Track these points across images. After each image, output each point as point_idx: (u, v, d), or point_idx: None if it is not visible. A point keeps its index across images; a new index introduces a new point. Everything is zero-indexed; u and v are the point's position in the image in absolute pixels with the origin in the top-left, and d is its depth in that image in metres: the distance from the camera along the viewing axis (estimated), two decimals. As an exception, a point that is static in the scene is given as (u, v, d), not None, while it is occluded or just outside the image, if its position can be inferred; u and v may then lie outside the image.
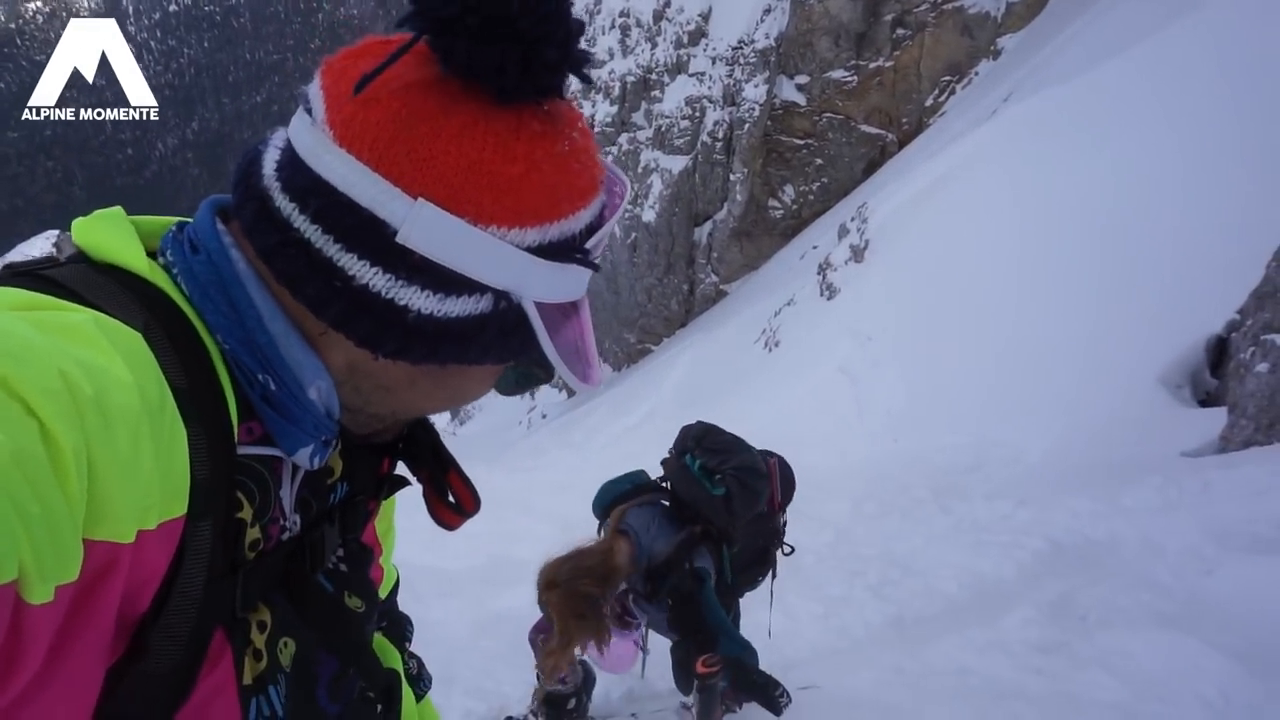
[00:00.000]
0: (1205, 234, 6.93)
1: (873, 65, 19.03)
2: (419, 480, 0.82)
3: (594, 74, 23.71)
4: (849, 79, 19.26)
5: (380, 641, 0.93)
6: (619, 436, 11.76)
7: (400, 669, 0.93)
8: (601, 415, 14.98)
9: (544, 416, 31.32)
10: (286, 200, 0.61)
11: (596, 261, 0.69)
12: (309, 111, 0.61)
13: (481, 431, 34.84)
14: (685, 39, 21.51)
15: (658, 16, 22.31)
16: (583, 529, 6.08)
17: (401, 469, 0.84)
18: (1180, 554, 3.84)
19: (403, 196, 0.58)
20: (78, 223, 0.63)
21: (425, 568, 5.43)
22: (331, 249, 0.60)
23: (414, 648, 1.15)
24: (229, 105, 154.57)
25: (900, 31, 18.59)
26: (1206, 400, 6.21)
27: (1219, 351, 6.33)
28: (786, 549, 2.90)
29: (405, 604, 1.14)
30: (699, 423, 2.83)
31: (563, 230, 0.64)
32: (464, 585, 5.15)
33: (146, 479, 0.50)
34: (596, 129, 23.79)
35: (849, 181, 19.96)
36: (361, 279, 0.60)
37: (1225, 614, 3.09)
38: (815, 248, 15.00)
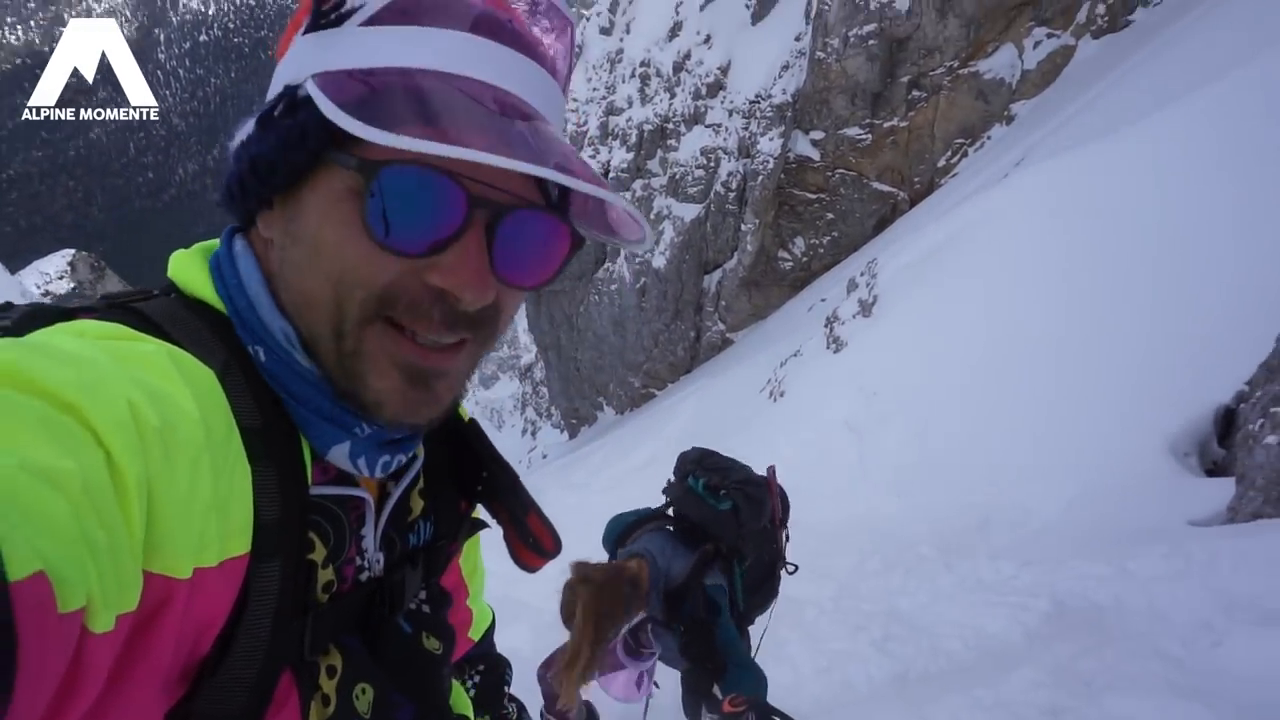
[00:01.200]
0: (1212, 306, 6.96)
1: (887, 124, 19.30)
2: (499, 522, 0.80)
3: (612, 121, 24.10)
4: (863, 137, 19.53)
5: (456, 690, 0.91)
6: (620, 478, 11.71)
7: (470, 714, 0.92)
8: (603, 456, 14.93)
9: (544, 456, 31.28)
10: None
11: (408, 19, 0.59)
12: None
13: (481, 469, 34.66)
14: (704, 91, 21.87)
15: (677, 68, 22.72)
16: (583, 570, 5.98)
17: (480, 513, 0.83)
18: (1188, 624, 3.79)
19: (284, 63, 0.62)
20: (176, 255, 0.64)
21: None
22: (233, 141, 0.64)
23: None
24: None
25: (916, 93, 18.90)
26: (1214, 470, 6.17)
27: (1227, 422, 6.30)
28: (790, 567, 2.92)
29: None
30: (695, 448, 2.89)
31: (323, 2, 0.60)
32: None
33: (203, 514, 0.50)
34: (612, 174, 24.09)
35: (859, 237, 20.12)
36: (233, 147, 0.63)
37: (1234, 684, 3.04)
38: (823, 300, 15.06)
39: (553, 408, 36.02)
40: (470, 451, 0.79)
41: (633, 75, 24.03)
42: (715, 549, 2.59)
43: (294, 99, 0.58)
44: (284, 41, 0.62)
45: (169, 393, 0.49)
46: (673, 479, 2.83)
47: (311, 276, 0.59)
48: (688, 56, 22.46)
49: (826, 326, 11.65)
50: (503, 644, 3.62)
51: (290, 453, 0.58)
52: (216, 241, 0.67)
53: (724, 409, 12.92)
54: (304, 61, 0.60)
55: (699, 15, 22.58)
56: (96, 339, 0.52)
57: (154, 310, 0.58)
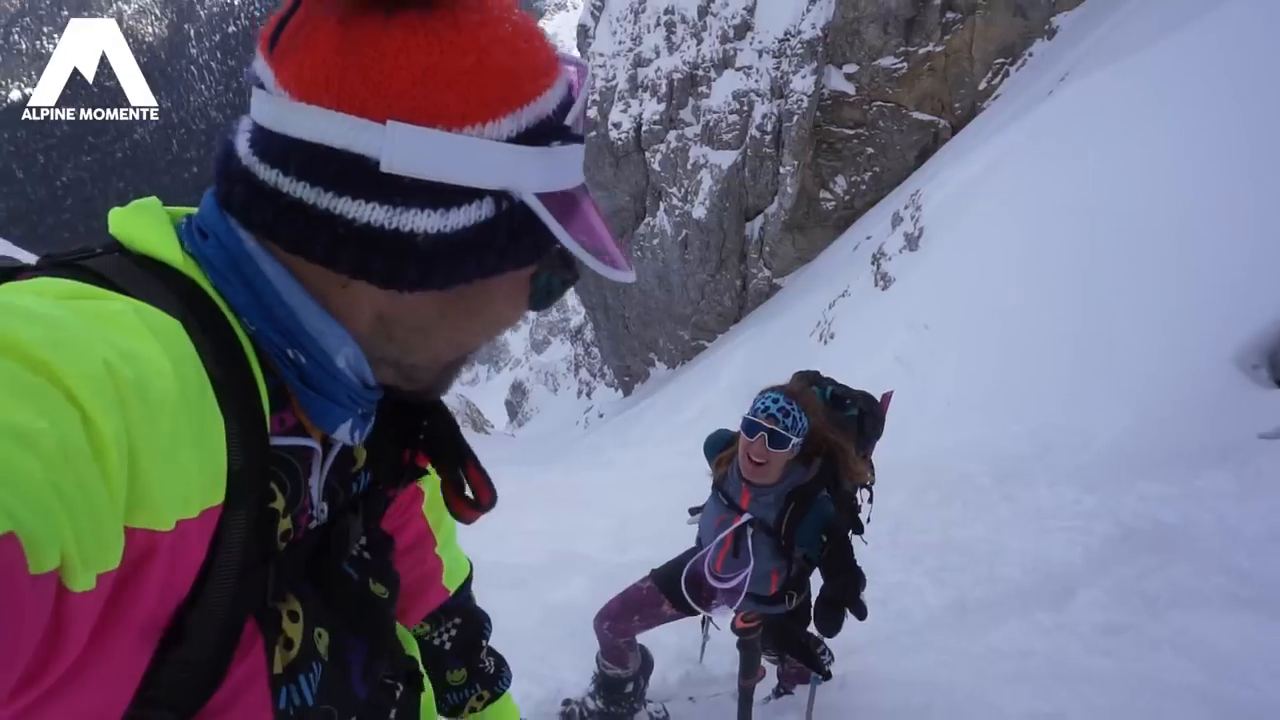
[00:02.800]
0: (1271, 212, 6.66)
1: (922, 51, 18.69)
2: (437, 472, 0.83)
3: (640, 73, 23.77)
4: (899, 66, 18.96)
5: (402, 631, 0.94)
6: (675, 432, 11.77)
7: (418, 658, 0.94)
8: (658, 412, 15.02)
9: (600, 416, 31.49)
10: (268, 169, 0.60)
11: (579, 134, 0.67)
12: (262, 86, 0.61)
13: (540, 434, 35.17)
14: (731, 33, 21.39)
15: (703, 12, 22.23)
16: (639, 524, 6.11)
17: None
18: (1258, 537, 3.71)
19: (372, 126, 0.58)
20: (115, 212, 0.64)
21: (489, 563, 5.51)
22: (325, 199, 0.59)
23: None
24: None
25: (950, 15, 18.24)
26: (1284, 380, 5.97)
27: (1297, 329, 6.08)
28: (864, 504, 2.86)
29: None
30: (807, 369, 2.90)
31: (536, 112, 0.62)
32: (526, 578, 5.21)
33: (185, 467, 0.50)
34: (645, 127, 23.82)
35: (901, 170, 19.65)
36: (362, 218, 0.59)
37: (1306, 595, 2.97)
38: (869, 238, 14.80)
39: (605, 367, 36.18)
40: (409, 403, 0.80)
41: (658, 24, 23.57)
42: (832, 466, 2.58)
43: (513, 207, 0.63)
44: (398, 99, 0.58)
45: (140, 349, 0.50)
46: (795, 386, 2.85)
47: (480, 336, 0.71)
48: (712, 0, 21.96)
49: (873, 264, 11.47)
50: (564, 596, 3.71)
51: (253, 404, 0.59)
52: (153, 200, 0.66)
53: (775, 356, 12.85)
54: (518, 170, 0.62)
55: (721, -45, 22.01)
56: (59, 298, 0.52)
57: (105, 267, 0.58)
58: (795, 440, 2.45)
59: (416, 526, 1.01)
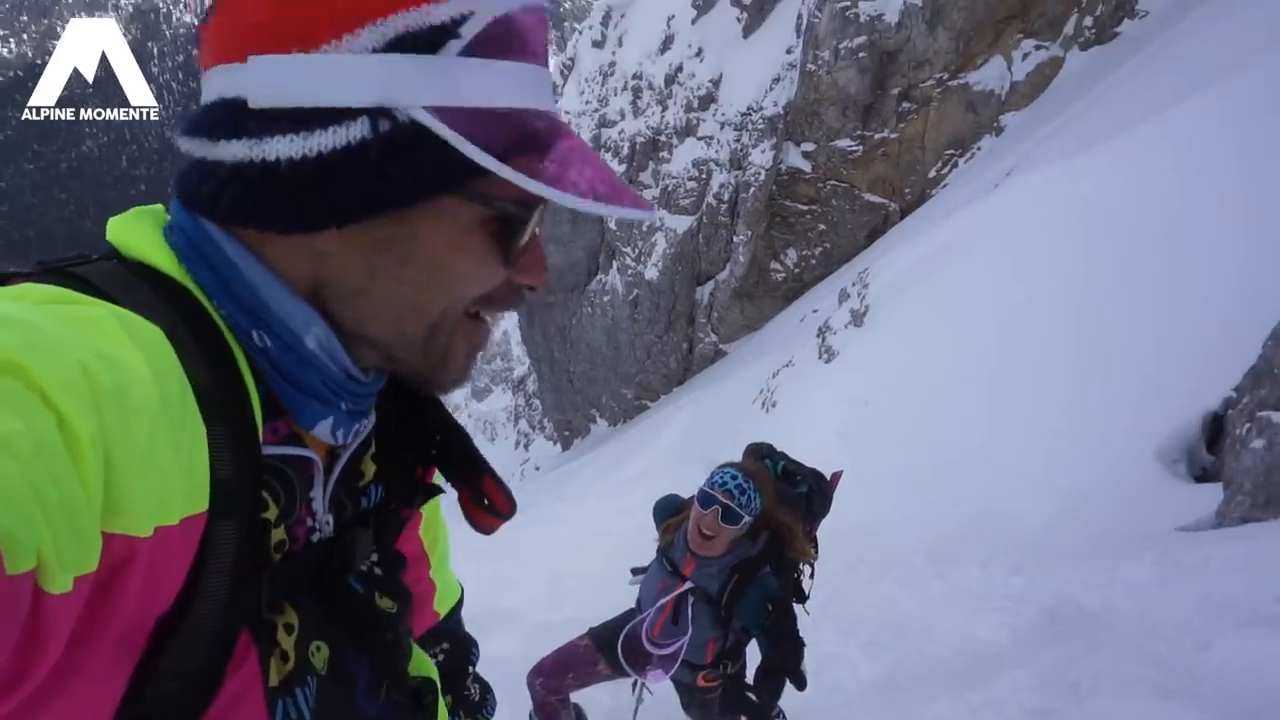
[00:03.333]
0: (1199, 314, 7.01)
1: (878, 136, 19.44)
2: (454, 485, 0.81)
3: (604, 134, 24.21)
4: (854, 149, 19.66)
5: (418, 654, 0.91)
6: (614, 490, 11.70)
7: (436, 679, 0.91)
8: (597, 468, 14.92)
9: (537, 469, 31.22)
10: (180, 139, 0.62)
11: (534, 52, 0.63)
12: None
13: (474, 481, 34.53)
14: (695, 103, 22.00)
15: (669, 81, 22.86)
16: (572, 581, 6.03)
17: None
18: (1176, 627, 3.80)
19: (238, 67, 0.58)
20: (112, 221, 0.64)
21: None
22: (208, 150, 0.60)
23: None
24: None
25: (906, 105, 19.04)
26: (1202, 476, 6.20)
27: (1215, 428, 6.34)
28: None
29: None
30: (762, 441, 2.92)
31: (408, 21, 0.58)
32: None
33: (164, 473, 0.49)
34: (604, 186, 24.13)
35: (851, 248, 20.23)
36: (233, 157, 0.59)
37: (1223, 686, 3.05)
38: (815, 311, 15.11)
39: (545, 420, 35.98)
40: (421, 417, 0.80)
41: (625, 88, 24.15)
42: (778, 541, 2.59)
43: (397, 125, 0.58)
44: (250, 34, 0.58)
45: (119, 355, 0.49)
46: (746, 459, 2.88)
47: (429, 292, 0.64)
48: (680, 69, 22.59)
49: (818, 337, 11.69)
50: (492, 650, 3.60)
51: (242, 412, 0.58)
52: (156, 207, 0.66)
53: (717, 420, 12.92)
54: (391, 83, 0.57)
55: (690, 29, 22.73)
56: (38, 303, 0.51)
57: (93, 273, 0.58)
58: (747, 518, 2.47)
59: (412, 549, 1.00)
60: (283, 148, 0.57)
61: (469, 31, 0.59)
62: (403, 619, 0.80)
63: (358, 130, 0.57)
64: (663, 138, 22.80)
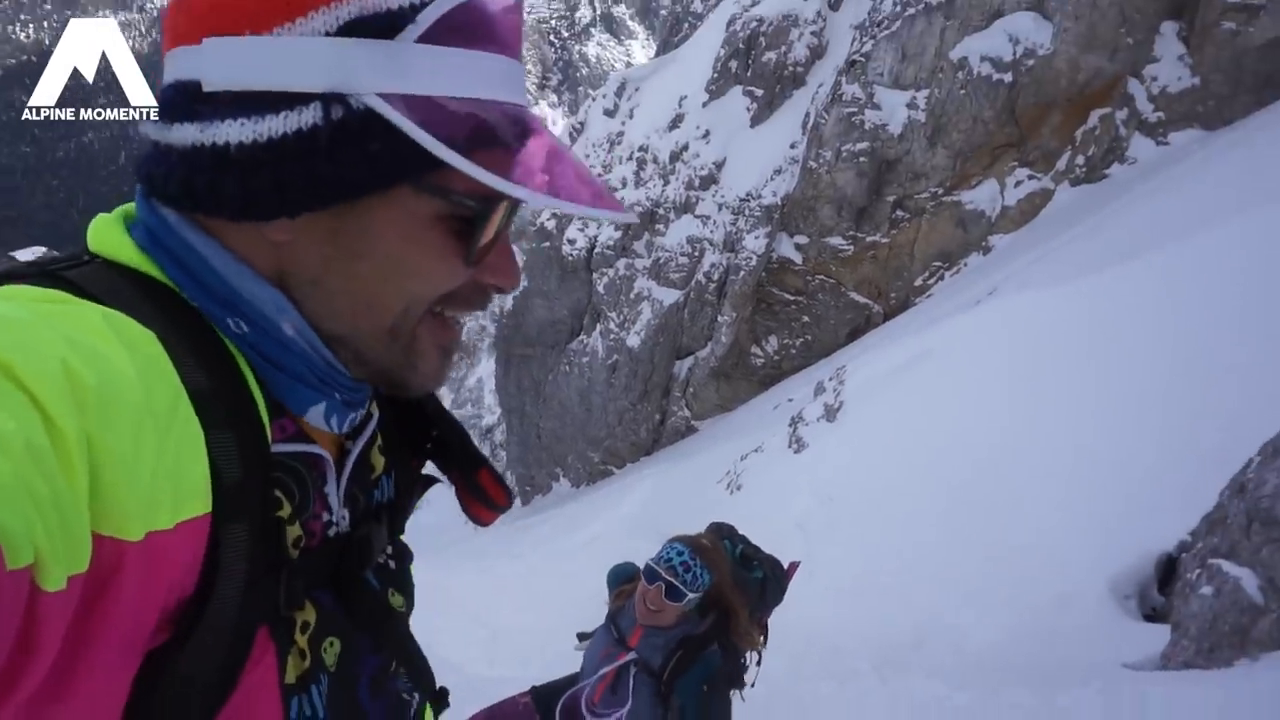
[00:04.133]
0: (1167, 453, 7.14)
1: (869, 239, 19.90)
2: (450, 479, 0.82)
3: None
4: (845, 247, 20.09)
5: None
6: (565, 552, 11.54)
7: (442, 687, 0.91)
8: (553, 527, 14.72)
9: (492, 521, 30.68)
10: (142, 124, 0.62)
11: (497, 40, 0.61)
12: None
13: (425, 526, 33.95)
14: (697, 183, 22.47)
15: (674, 157, 23.37)
16: (512, 639, 5.90)
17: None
18: (1112, 765, 3.78)
19: (193, 50, 0.58)
20: (91, 224, 0.64)
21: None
22: (163, 133, 0.60)
23: None
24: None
25: (899, 213, 19.56)
26: (1152, 615, 6.24)
27: (1168, 569, 6.40)
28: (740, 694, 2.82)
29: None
30: (724, 522, 2.90)
31: (366, 4, 0.57)
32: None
33: (151, 476, 0.49)
34: (598, 250, 24.44)
35: (832, 343, 20.50)
36: (184, 140, 0.58)
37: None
38: (790, 400, 15.22)
39: (508, 472, 35.56)
40: (418, 410, 0.80)
41: (630, 158, 24.65)
42: (726, 620, 2.56)
43: (350, 111, 0.56)
44: (205, 16, 0.58)
45: (104, 354, 0.49)
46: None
47: (383, 288, 0.62)
48: (685, 148, 23.13)
49: (790, 426, 11.75)
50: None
51: (248, 413, 0.58)
52: (131, 206, 0.66)
53: (680, 496, 12.86)
54: (345, 68, 0.56)
55: (701, 111, 23.35)
56: (28, 302, 0.52)
57: (84, 276, 0.58)
58: (691, 596, 2.46)
59: None
60: (233, 132, 0.56)
61: (428, 18, 0.57)
62: (409, 616, 0.80)
63: (309, 116, 0.56)
64: (661, 210, 23.20)
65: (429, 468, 0.84)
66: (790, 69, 21.87)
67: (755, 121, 22.34)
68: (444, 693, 0.85)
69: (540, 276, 26.64)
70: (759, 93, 22.24)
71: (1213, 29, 15.92)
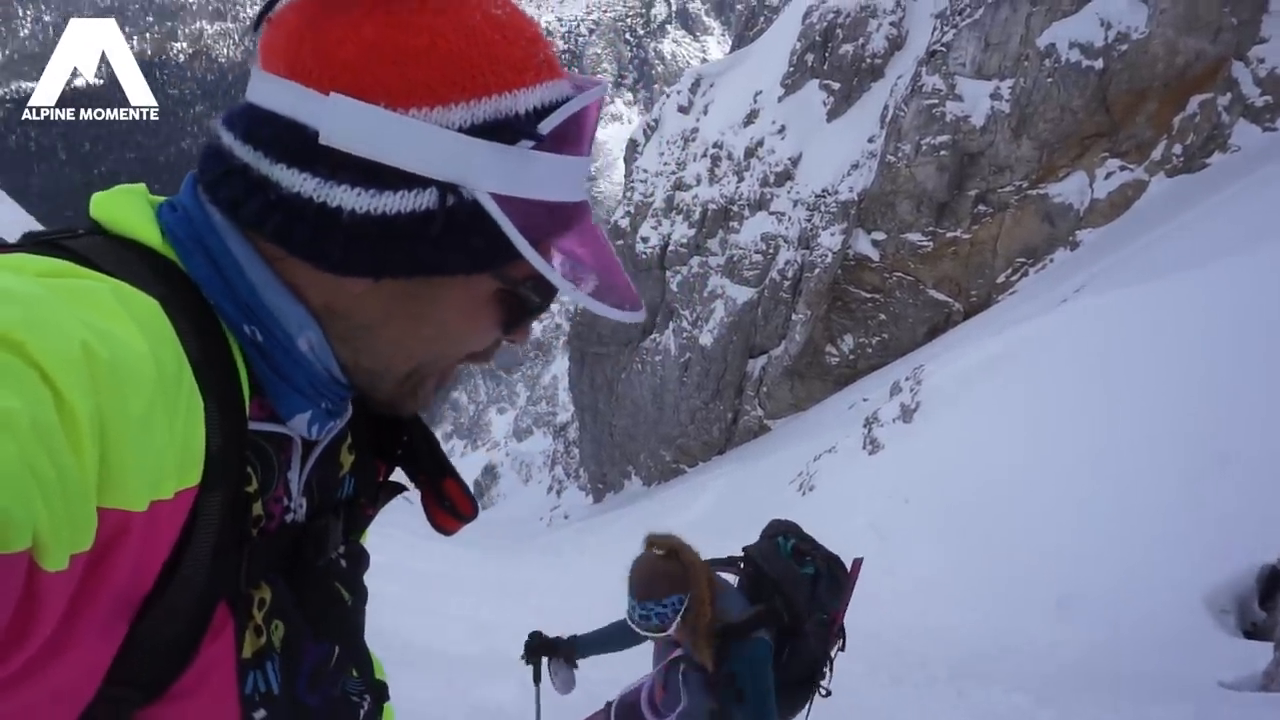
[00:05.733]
0: (1265, 462, 6.74)
1: (950, 235, 19.37)
2: (416, 485, 0.82)
3: (678, 196, 24.57)
4: (924, 244, 19.60)
5: (374, 657, 0.90)
6: (635, 552, 11.54)
7: (385, 681, 0.90)
8: (623, 526, 14.79)
9: (566, 517, 31.06)
10: (225, 131, 0.63)
11: (578, 149, 0.65)
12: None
13: (502, 520, 34.56)
14: (772, 179, 22.25)
15: (749, 153, 23.19)
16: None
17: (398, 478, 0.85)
18: (1208, 791, 3.58)
19: (316, 96, 0.57)
20: (97, 197, 0.64)
21: (420, 646, 5.32)
22: (262, 164, 0.60)
23: None
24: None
25: (982, 207, 18.98)
26: (1252, 632, 5.90)
27: (1271, 583, 6.05)
28: (823, 690, 2.70)
29: (397, 676, 1.12)
30: (784, 520, 2.80)
31: (498, 108, 0.60)
32: (456, 672, 5.02)
33: (160, 449, 0.50)
34: (671, 247, 24.43)
35: (909, 342, 20.03)
36: (291, 186, 0.59)
37: None
38: (865, 400, 14.93)
39: (581, 469, 35.91)
40: (390, 418, 0.80)
41: (704, 155, 24.57)
42: (777, 610, 2.49)
43: (460, 202, 0.60)
44: (343, 70, 0.58)
45: (117, 330, 0.49)
46: (760, 539, 2.79)
47: (429, 346, 0.68)
48: (760, 144, 22.92)
49: (865, 427, 11.53)
50: (488, 695, 3.55)
51: (232, 386, 0.59)
52: (139, 187, 0.66)
53: (751, 496, 12.75)
54: (470, 164, 0.59)
55: (776, 105, 23.11)
56: (38, 275, 0.52)
57: (86, 247, 0.58)
58: (673, 626, 2.38)
59: None
60: (348, 198, 0.58)
61: (547, 128, 0.61)
62: (360, 612, 0.80)
63: (425, 199, 0.59)
64: (735, 208, 23.05)
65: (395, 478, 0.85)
66: (868, 61, 21.46)
67: (832, 116, 21.99)
68: (382, 687, 0.85)
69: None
70: (836, 86, 21.88)
71: (1325, 8, 14.99)
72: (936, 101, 18.41)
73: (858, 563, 2.83)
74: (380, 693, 0.83)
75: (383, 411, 0.74)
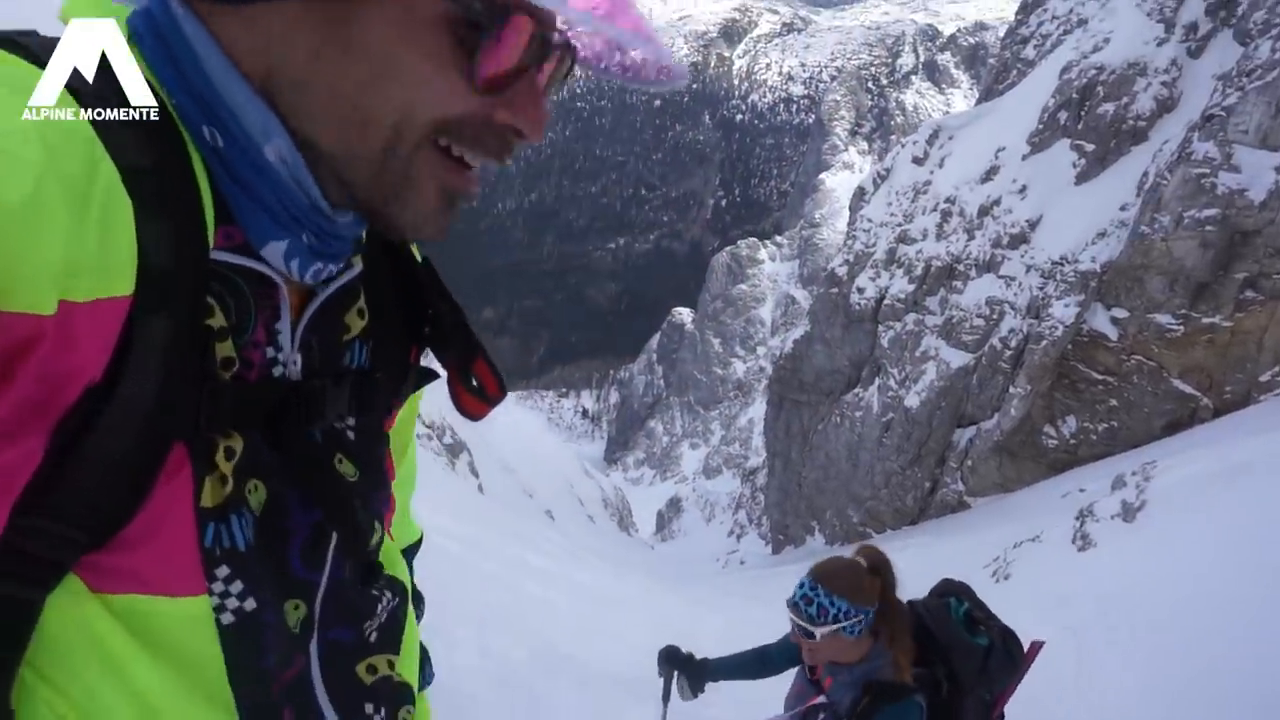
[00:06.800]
0: None
1: (1206, 320, 17.29)
2: (444, 365, 0.76)
3: (900, 249, 23.73)
4: (1174, 327, 17.63)
5: (391, 551, 0.83)
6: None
7: (409, 587, 0.84)
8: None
9: (742, 563, 30.63)
10: None
11: None
12: None
13: (678, 555, 34.72)
14: (1005, 240, 20.98)
15: (983, 211, 22.03)
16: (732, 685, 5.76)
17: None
18: None
19: None
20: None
21: (598, 666, 5.37)
22: None
23: None
24: (567, 187, 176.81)
25: (1250, 293, 16.81)
26: None
27: None
28: None
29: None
30: (958, 580, 2.63)
31: None
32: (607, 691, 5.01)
33: (62, 240, 0.47)
34: (887, 301, 23.62)
35: (1143, 434, 18.03)
36: None
37: None
38: (1082, 490, 13.59)
39: (764, 517, 35.37)
40: (420, 293, 0.76)
41: (934, 209, 23.60)
42: (938, 679, 2.27)
43: None
44: None
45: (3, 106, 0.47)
46: (929, 597, 2.60)
47: (372, 94, 0.58)
48: (997, 203, 21.69)
49: (1078, 519, 10.50)
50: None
51: (188, 203, 0.55)
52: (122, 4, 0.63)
53: (939, 572, 11.77)
54: None
55: (1019, 164, 21.81)
56: None
57: (39, 44, 0.56)
58: (824, 630, 2.14)
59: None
60: None
61: None
62: (368, 492, 0.74)
63: None
64: (960, 267, 21.92)
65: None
66: (1130, 122, 19.75)
67: (1081, 179, 20.41)
68: (408, 594, 0.80)
69: (824, 323, 26.27)
70: (1089, 147, 20.30)
71: None
72: (1208, 171, 16.57)
73: (1036, 645, 2.55)
74: (401, 589, 0.78)
75: (387, 234, 0.68)
